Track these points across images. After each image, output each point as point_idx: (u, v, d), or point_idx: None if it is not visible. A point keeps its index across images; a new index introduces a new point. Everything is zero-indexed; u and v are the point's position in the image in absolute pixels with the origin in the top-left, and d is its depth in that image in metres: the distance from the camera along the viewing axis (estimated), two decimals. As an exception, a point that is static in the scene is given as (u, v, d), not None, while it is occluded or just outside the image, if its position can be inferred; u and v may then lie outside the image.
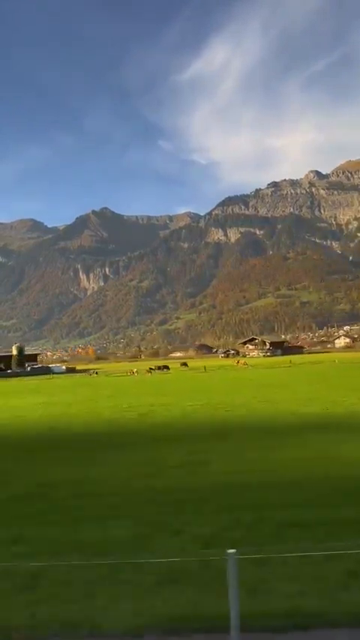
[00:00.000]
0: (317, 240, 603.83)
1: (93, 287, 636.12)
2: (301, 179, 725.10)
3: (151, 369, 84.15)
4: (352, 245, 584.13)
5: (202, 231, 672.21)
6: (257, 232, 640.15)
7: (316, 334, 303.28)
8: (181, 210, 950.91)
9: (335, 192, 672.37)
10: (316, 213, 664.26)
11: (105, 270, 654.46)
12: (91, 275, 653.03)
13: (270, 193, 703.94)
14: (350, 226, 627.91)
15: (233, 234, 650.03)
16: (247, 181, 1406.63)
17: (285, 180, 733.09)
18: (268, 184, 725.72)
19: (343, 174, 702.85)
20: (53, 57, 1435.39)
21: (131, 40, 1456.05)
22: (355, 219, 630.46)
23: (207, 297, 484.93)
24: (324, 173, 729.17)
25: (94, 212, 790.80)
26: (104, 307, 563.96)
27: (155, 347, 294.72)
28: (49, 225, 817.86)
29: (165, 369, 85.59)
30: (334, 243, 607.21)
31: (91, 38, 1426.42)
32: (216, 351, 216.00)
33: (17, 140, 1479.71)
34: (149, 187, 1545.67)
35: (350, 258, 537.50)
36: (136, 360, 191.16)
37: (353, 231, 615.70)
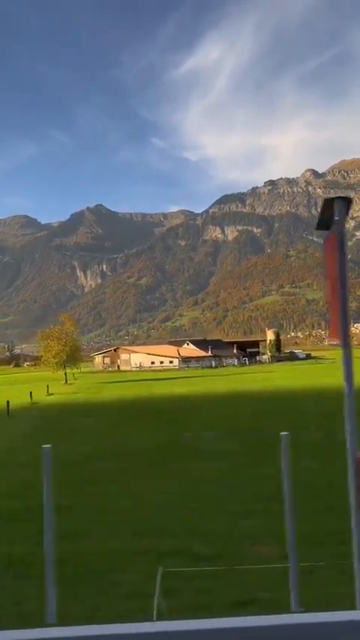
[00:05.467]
0: (315, 239, 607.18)
1: (91, 284, 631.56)
2: (297, 177, 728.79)
3: None
4: (349, 244, 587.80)
5: (199, 229, 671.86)
6: (255, 230, 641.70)
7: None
8: (175, 208, 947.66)
9: (332, 192, 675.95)
10: (313, 211, 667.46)
11: (102, 267, 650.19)
12: (89, 272, 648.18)
13: (267, 192, 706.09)
14: (347, 225, 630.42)
15: (231, 232, 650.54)
16: (242, 180, 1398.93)
17: (282, 178, 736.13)
18: (265, 182, 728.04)
19: (339, 173, 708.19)
20: (48, 54, 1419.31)
21: (126, 37, 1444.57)
22: (352, 218, 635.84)
23: (209, 294, 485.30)
24: (320, 172, 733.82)
25: (88, 209, 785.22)
26: (103, 304, 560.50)
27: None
28: (43, 222, 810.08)
29: None
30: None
31: (85, 35, 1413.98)
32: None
33: (10, 136, 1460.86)
34: (142, 184, 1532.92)
35: (349, 256, 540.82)
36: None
37: (350, 231, 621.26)
